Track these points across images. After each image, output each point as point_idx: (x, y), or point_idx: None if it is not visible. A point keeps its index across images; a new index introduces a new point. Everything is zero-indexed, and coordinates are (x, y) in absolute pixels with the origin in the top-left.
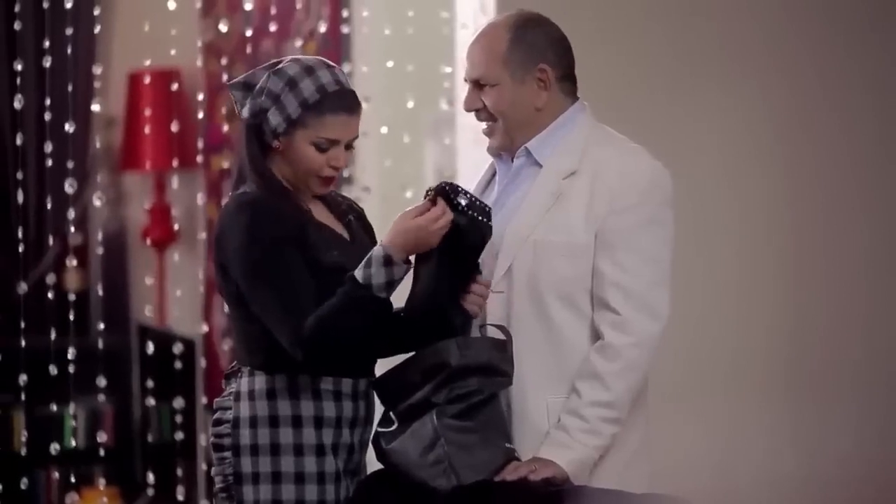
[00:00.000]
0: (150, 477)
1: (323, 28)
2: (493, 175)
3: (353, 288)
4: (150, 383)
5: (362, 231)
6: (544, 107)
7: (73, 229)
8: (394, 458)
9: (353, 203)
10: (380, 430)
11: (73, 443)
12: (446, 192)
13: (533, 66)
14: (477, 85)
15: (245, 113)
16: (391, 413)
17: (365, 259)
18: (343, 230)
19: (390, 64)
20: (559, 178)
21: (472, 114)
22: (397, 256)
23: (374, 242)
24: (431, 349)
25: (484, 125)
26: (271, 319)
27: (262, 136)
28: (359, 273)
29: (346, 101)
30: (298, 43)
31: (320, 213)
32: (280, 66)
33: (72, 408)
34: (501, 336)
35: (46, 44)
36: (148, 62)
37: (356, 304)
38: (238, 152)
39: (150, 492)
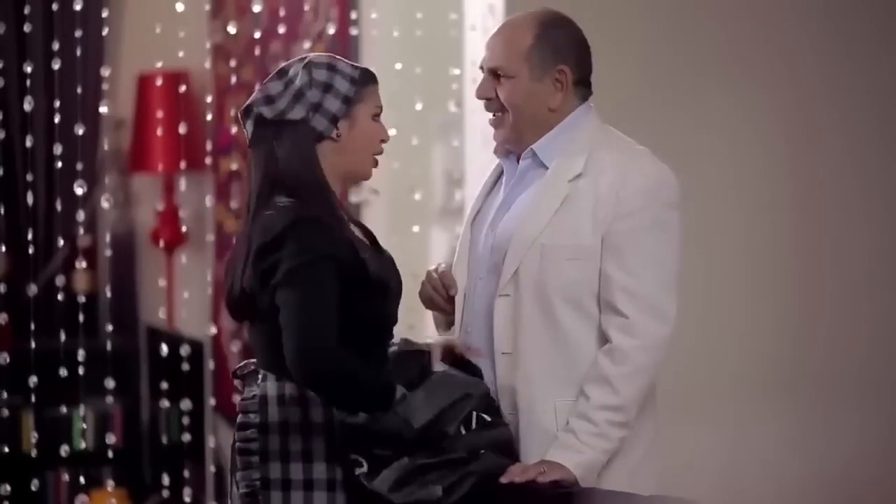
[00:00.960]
0: (159, 478)
1: (332, 30)
2: (499, 177)
3: (380, 397)
4: (158, 385)
5: (374, 237)
6: (558, 108)
7: (82, 231)
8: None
9: None
10: (358, 472)
11: (83, 444)
12: None
13: (552, 66)
14: (493, 74)
15: (291, 116)
16: (359, 456)
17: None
18: (367, 242)
19: (399, 66)
20: (565, 181)
21: (482, 106)
22: None
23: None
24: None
25: (491, 116)
26: (292, 331)
27: (314, 133)
28: (397, 395)
29: (373, 73)
30: (307, 45)
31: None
32: (306, 60)
33: (81, 409)
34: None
35: (56, 46)
36: (157, 64)
37: (375, 401)
38: (267, 165)
39: (159, 493)
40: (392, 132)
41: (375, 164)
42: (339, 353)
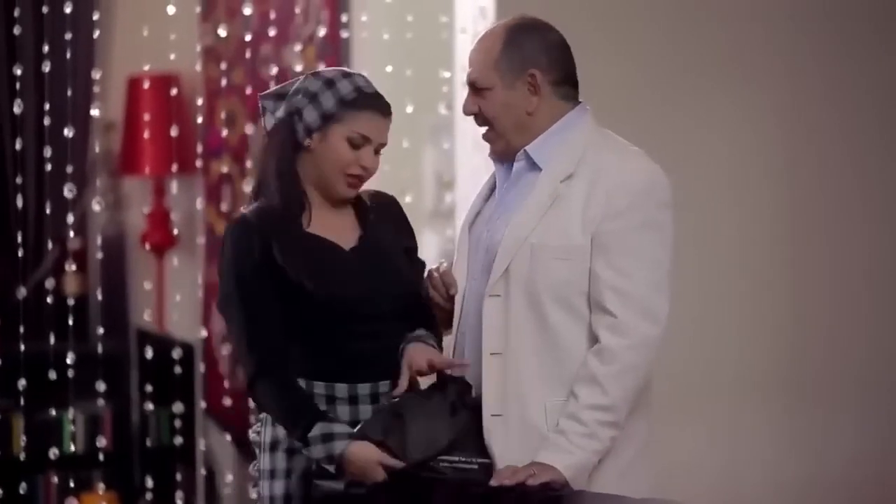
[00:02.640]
0: (149, 482)
1: (322, 32)
2: (497, 183)
3: (294, 427)
4: (149, 388)
5: (381, 232)
6: (536, 111)
7: (72, 234)
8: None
9: (383, 197)
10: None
11: (72, 447)
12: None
13: (522, 72)
14: (474, 88)
15: (278, 115)
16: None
17: (330, 432)
18: (349, 238)
19: (389, 69)
20: (557, 181)
21: (472, 118)
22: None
23: (398, 234)
24: None
25: (483, 131)
26: (237, 350)
27: (294, 136)
28: (315, 432)
29: (380, 103)
30: (297, 48)
31: (329, 222)
32: (316, 71)
33: (71, 412)
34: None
35: (46, 48)
36: (147, 67)
37: (289, 422)
38: (260, 160)
39: (149, 496)
40: None
41: (350, 185)
42: (269, 394)
